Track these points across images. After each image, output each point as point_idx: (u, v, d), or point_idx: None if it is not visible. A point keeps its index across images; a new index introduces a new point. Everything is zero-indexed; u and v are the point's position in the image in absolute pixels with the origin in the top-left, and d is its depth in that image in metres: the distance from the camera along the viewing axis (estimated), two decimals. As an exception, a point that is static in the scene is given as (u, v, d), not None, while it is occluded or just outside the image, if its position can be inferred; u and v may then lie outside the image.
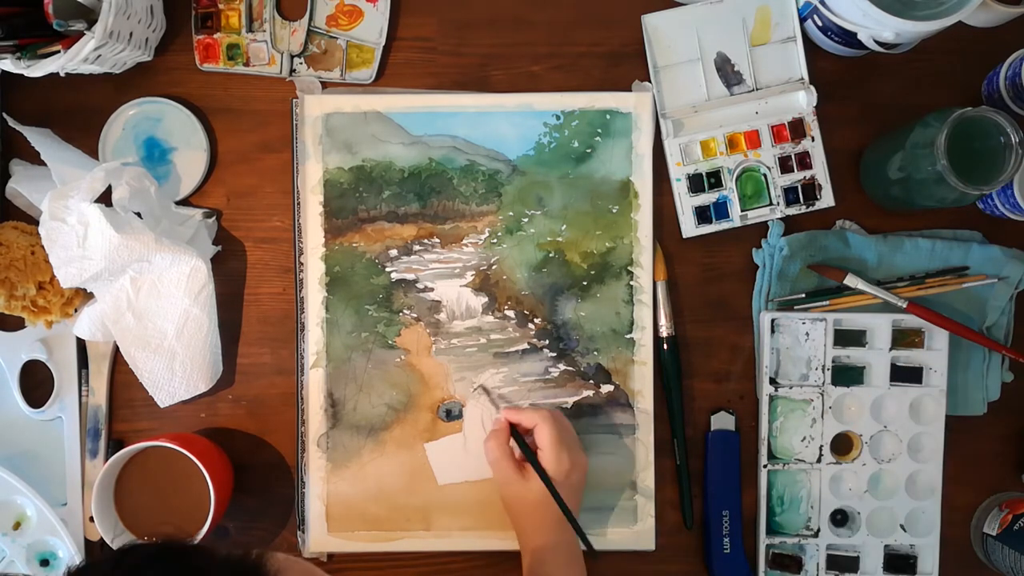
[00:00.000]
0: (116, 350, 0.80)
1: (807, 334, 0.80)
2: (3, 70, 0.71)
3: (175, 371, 0.78)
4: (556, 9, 0.82)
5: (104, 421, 0.81)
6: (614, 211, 0.81)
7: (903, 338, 0.81)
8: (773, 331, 0.80)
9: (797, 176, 0.81)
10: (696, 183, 0.81)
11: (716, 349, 0.82)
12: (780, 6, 0.80)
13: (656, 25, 0.80)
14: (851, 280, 0.79)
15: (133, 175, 0.75)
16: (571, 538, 0.73)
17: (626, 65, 0.82)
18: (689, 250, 0.82)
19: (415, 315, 0.81)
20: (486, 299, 0.81)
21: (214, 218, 0.81)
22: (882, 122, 0.82)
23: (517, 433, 0.75)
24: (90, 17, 0.71)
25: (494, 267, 0.81)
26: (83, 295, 0.79)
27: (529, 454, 0.74)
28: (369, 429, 0.80)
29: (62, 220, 0.72)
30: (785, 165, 0.81)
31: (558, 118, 0.81)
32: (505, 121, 0.81)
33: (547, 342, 0.81)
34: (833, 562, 0.81)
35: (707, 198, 0.81)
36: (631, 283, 0.81)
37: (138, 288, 0.76)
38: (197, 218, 0.80)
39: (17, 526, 0.78)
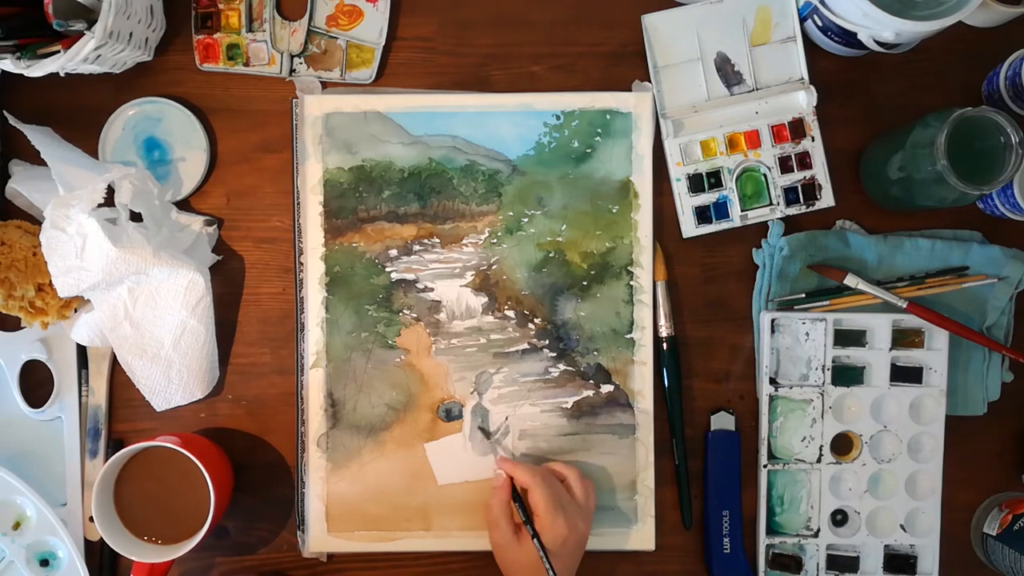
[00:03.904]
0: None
1: (807, 334, 0.80)
2: (3, 70, 0.71)
3: (171, 379, 0.78)
4: (556, 9, 0.82)
5: (104, 421, 0.81)
6: (614, 211, 0.81)
7: (903, 338, 0.81)
8: (773, 331, 0.80)
9: (797, 176, 0.81)
10: (696, 183, 0.81)
11: (716, 349, 0.82)
12: (780, 6, 0.80)
13: (656, 25, 0.80)
14: (851, 280, 0.79)
15: (137, 175, 0.75)
16: None
17: (626, 65, 0.82)
18: (689, 250, 0.82)
19: (415, 315, 0.81)
20: (486, 299, 0.81)
21: (215, 227, 0.81)
22: (882, 122, 0.82)
23: (517, 493, 0.74)
24: (90, 17, 0.71)
25: (494, 267, 0.81)
26: (81, 299, 0.79)
27: (526, 518, 0.72)
28: (369, 429, 0.80)
29: (62, 229, 0.72)
30: (785, 165, 0.81)
31: (558, 118, 0.81)
32: (505, 121, 0.81)
33: (547, 342, 0.81)
34: (833, 562, 0.81)
35: (707, 198, 0.81)
36: (631, 283, 0.81)
37: (135, 298, 0.76)
38: (197, 227, 0.80)
39: (17, 526, 0.78)
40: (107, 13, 0.69)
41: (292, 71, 0.81)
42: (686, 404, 0.82)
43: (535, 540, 0.71)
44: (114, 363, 0.80)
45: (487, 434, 0.80)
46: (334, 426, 0.80)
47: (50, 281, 0.74)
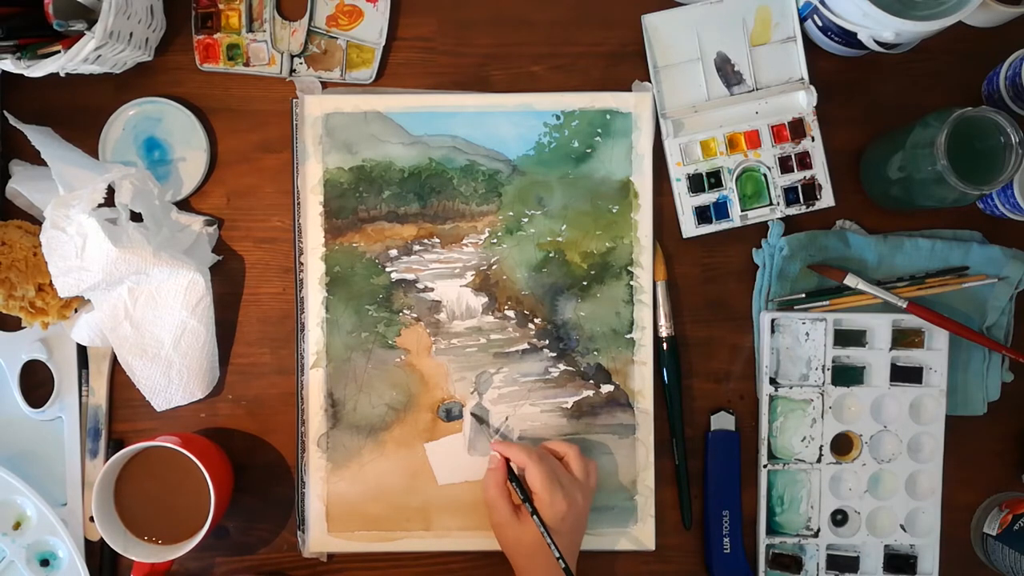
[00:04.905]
0: (116, 350, 0.80)
1: (807, 334, 0.80)
2: (3, 70, 0.71)
3: (171, 379, 0.78)
4: (556, 9, 0.82)
5: (104, 421, 0.81)
6: (614, 211, 0.81)
7: (903, 338, 0.81)
8: (773, 331, 0.80)
9: (797, 176, 0.81)
10: (696, 183, 0.81)
11: (716, 349, 0.82)
12: (780, 6, 0.80)
13: (656, 25, 0.80)
14: (851, 280, 0.79)
15: (137, 175, 0.75)
16: None
17: (626, 65, 0.82)
18: (689, 250, 0.82)
19: (415, 315, 0.81)
20: (486, 299, 0.81)
21: (215, 227, 0.81)
22: (882, 122, 0.82)
23: (514, 474, 0.74)
24: (90, 17, 0.71)
25: (494, 267, 0.81)
26: (81, 299, 0.79)
27: (525, 497, 0.72)
28: (369, 429, 0.80)
29: (62, 229, 0.72)
30: (785, 165, 0.81)
31: (558, 118, 0.81)
32: (505, 121, 0.81)
33: (547, 342, 0.81)
34: (833, 562, 0.81)
35: (707, 198, 0.81)
36: (631, 283, 0.81)
37: (135, 298, 0.76)
38: (197, 227, 0.80)
39: (17, 526, 0.78)
40: (107, 13, 0.69)
41: (292, 71, 0.81)
42: (686, 404, 0.82)
43: (535, 517, 0.70)
44: (114, 363, 0.81)
45: (481, 420, 0.79)
46: (334, 426, 0.80)
47: (50, 281, 0.74)
